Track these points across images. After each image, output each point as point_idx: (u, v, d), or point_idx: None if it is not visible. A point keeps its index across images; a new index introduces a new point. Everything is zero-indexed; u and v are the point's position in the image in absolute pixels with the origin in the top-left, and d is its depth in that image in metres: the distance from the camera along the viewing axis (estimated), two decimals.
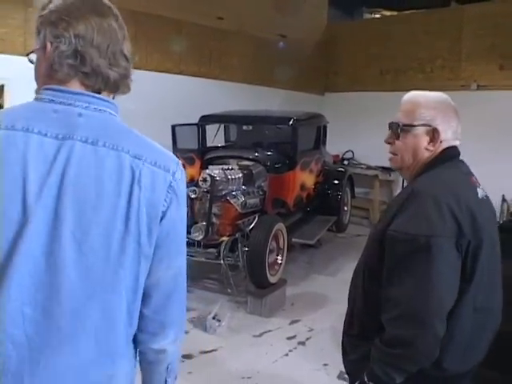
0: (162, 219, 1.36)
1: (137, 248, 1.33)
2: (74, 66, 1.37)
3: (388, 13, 12.68)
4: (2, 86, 7.71)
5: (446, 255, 1.75)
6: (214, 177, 5.75)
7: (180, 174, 1.42)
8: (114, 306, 1.35)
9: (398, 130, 2.01)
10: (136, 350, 1.51)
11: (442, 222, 1.75)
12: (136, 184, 1.32)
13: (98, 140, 1.32)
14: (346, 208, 8.50)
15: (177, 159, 1.45)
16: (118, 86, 1.45)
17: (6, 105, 7.60)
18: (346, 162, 10.73)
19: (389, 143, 2.07)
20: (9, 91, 7.68)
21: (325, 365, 4.53)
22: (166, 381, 1.57)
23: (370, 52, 11.04)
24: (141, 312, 1.44)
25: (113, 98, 1.48)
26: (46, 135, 1.30)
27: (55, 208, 1.27)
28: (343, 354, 2.15)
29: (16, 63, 6.70)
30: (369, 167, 10.29)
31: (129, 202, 1.31)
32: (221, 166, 6.25)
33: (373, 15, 13.12)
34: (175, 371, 1.60)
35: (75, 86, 1.39)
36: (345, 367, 2.16)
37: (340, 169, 8.74)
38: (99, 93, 1.42)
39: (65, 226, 1.27)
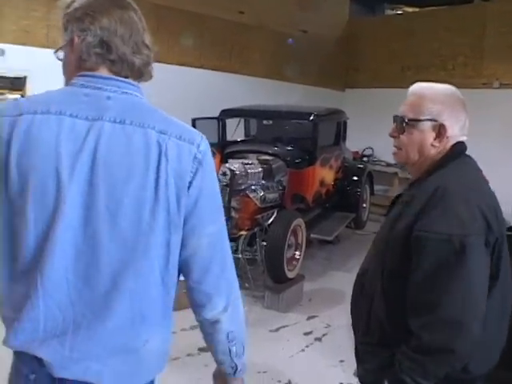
0: (189, 188, 1.43)
1: (167, 217, 1.41)
2: (101, 55, 1.47)
3: (410, 9, 12.61)
4: (25, 77, 7.84)
5: (479, 254, 1.70)
6: (233, 171, 5.77)
7: (204, 146, 1.49)
8: (147, 272, 1.42)
9: (403, 124, 1.93)
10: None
11: (473, 220, 1.70)
12: (163, 156, 1.40)
13: (125, 119, 1.42)
14: (364, 205, 8.48)
15: (201, 133, 1.52)
16: (141, 72, 1.55)
17: (29, 95, 7.54)
18: (365, 159, 10.69)
19: (393, 137, 1.99)
20: (31, 82, 7.80)
21: (341, 361, 4.51)
22: (229, 350, 1.61)
23: (392, 48, 10.98)
24: (187, 284, 1.53)
25: None
26: (77, 117, 1.41)
27: (88, 183, 1.37)
28: (358, 363, 2.09)
29: (38, 55, 7.15)
30: (388, 164, 10.24)
31: (157, 173, 1.39)
32: (241, 160, 6.25)
33: (395, 11, 13.06)
34: (240, 340, 1.63)
35: (103, 72, 1.49)
36: (359, 377, 2.09)
37: (360, 165, 8.71)
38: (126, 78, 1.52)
39: (98, 199, 1.38)
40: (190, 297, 1.55)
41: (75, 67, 1.50)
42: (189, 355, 4.41)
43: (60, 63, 1.56)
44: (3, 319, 1.47)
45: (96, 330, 1.40)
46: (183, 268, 1.51)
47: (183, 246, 1.47)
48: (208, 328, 1.58)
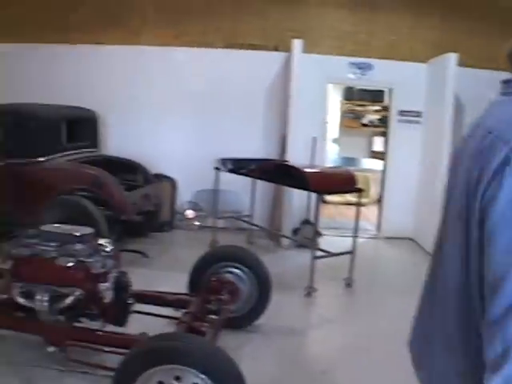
0: (482, 197, 1.01)
1: (458, 219, 1.13)
2: None
3: None
4: (391, 89, 8.28)
5: None
6: None
7: None
8: (449, 273, 1.19)
9: None
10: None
11: None
12: (466, 156, 1.14)
13: (481, 125, 1.15)
14: None
15: None
16: None
17: (393, 108, 8.28)
18: None
19: None
20: (396, 94, 8.21)
21: None
22: None
23: None
24: None
25: None
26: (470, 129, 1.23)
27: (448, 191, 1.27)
28: None
29: (403, 69, 7.91)
30: None
31: (457, 173, 1.19)
32: None
33: None
34: None
35: None
36: None
37: None
38: None
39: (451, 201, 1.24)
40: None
41: None
42: None
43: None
44: None
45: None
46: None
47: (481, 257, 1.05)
48: None
